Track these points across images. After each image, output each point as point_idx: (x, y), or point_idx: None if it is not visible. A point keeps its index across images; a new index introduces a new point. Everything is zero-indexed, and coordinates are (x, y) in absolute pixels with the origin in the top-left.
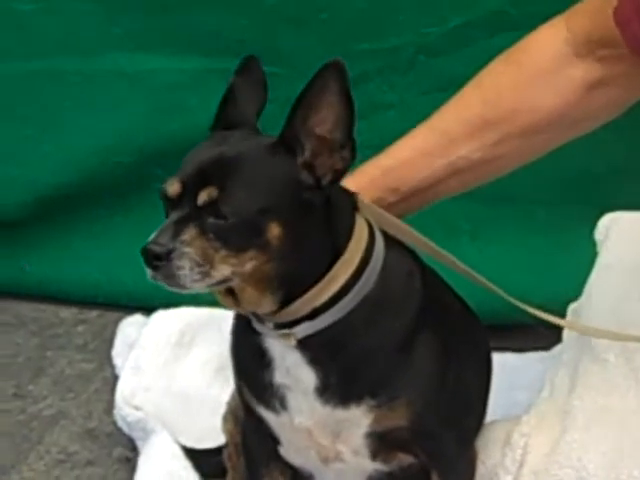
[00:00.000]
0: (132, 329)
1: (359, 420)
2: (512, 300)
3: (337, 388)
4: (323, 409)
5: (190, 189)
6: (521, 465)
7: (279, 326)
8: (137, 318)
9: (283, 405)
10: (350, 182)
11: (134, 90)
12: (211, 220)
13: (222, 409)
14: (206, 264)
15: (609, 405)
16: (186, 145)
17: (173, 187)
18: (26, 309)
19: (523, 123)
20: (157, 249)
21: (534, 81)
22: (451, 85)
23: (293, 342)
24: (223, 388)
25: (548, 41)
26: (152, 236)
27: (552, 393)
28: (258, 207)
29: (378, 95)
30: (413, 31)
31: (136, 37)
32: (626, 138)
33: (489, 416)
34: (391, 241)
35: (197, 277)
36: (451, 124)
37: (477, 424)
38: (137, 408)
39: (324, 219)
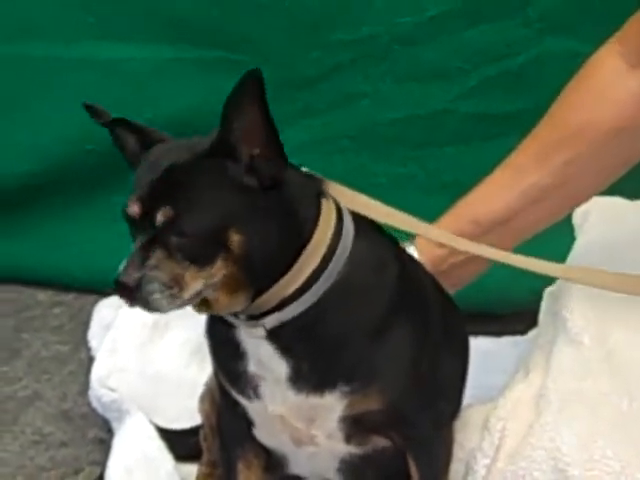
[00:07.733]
0: (108, 311)
1: (333, 406)
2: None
3: (310, 376)
4: (296, 397)
5: (148, 209)
6: (498, 449)
7: (250, 318)
8: (113, 300)
9: (257, 393)
10: (445, 219)
11: (104, 78)
12: (174, 239)
13: (197, 391)
14: (175, 285)
15: (582, 388)
16: None
17: (133, 208)
18: (2, 291)
19: (588, 139)
20: (126, 280)
21: (595, 98)
22: (426, 75)
23: (263, 333)
24: (198, 370)
25: (604, 59)
26: (122, 266)
27: (527, 376)
28: (214, 218)
29: (352, 85)
30: (388, 20)
31: (107, 25)
32: None
33: (465, 400)
34: (364, 227)
35: (169, 300)
36: (521, 156)
37: (454, 407)
38: (112, 389)
39: (283, 215)
